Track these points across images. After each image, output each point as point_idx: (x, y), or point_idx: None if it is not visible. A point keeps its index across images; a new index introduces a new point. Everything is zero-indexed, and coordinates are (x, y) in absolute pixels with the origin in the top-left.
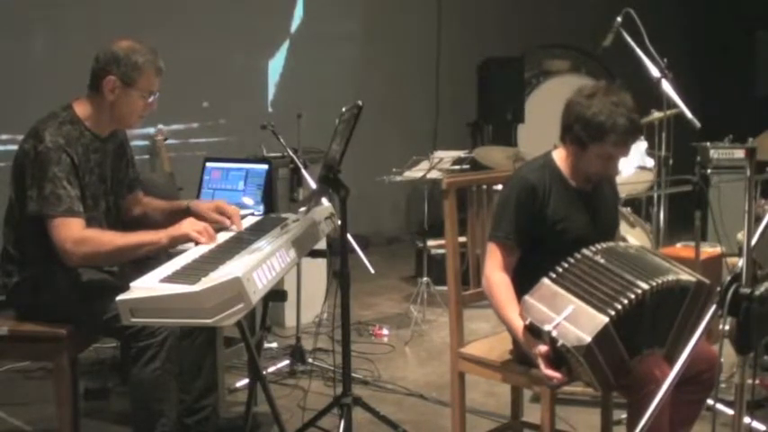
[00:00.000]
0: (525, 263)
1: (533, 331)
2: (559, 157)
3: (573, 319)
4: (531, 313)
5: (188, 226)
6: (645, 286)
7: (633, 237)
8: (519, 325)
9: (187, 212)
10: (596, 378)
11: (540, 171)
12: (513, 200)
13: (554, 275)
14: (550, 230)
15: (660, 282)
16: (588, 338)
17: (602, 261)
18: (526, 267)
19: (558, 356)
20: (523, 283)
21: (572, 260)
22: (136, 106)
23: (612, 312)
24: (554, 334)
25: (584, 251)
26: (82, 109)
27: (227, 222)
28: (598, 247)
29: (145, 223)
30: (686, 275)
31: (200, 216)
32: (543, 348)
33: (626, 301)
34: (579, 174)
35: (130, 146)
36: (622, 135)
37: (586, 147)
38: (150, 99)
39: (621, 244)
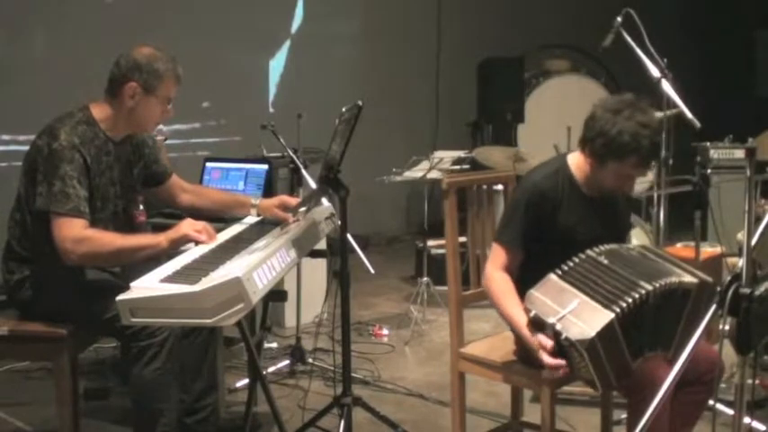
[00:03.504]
0: (537, 264)
1: (537, 324)
2: (575, 163)
3: (578, 313)
4: (535, 306)
5: (187, 227)
6: (648, 287)
7: (633, 237)
8: (521, 318)
9: (248, 207)
10: (597, 375)
11: (553, 177)
12: (522, 205)
13: (560, 272)
14: (563, 235)
15: (662, 283)
16: (592, 332)
17: (605, 262)
18: (537, 269)
19: (560, 351)
20: (534, 283)
21: (577, 259)
22: (154, 113)
23: (618, 309)
24: (558, 327)
25: (589, 252)
26: (99, 111)
27: (289, 219)
28: (602, 248)
29: (196, 211)
30: (689, 277)
31: (265, 213)
32: (546, 340)
33: (630, 300)
34: (593, 184)
35: (150, 143)
36: (644, 158)
37: (605, 162)
38: (168, 106)
39: (624, 246)
